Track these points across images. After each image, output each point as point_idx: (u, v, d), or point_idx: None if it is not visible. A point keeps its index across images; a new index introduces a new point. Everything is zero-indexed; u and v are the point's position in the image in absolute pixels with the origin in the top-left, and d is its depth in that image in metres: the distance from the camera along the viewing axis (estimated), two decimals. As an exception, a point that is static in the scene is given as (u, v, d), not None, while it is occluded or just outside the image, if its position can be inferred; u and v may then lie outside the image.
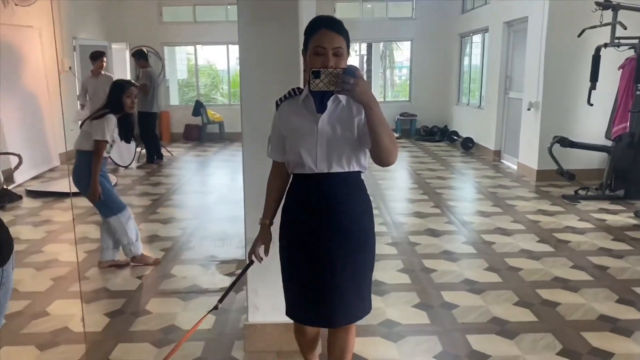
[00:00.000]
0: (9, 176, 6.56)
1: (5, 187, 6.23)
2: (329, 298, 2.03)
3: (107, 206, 3.93)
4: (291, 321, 2.24)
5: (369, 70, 12.98)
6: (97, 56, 7.69)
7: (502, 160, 8.59)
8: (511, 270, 4.04)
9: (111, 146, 3.89)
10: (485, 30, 9.41)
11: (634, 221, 5.27)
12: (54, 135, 7.99)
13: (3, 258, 1.72)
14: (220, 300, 2.19)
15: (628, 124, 5.87)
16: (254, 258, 2.18)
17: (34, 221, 5.38)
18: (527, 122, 7.38)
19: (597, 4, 5.71)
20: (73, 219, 5.31)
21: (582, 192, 6.13)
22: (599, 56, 5.87)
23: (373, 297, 2.20)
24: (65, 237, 4.88)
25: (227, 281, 3.81)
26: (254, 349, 2.86)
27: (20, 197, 6.22)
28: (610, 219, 5.35)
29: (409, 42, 11.82)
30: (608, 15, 5.77)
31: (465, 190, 6.98)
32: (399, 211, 5.74)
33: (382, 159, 1.85)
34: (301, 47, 2.00)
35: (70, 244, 4.66)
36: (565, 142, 6.18)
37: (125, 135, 4.04)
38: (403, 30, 11.62)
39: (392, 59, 13.53)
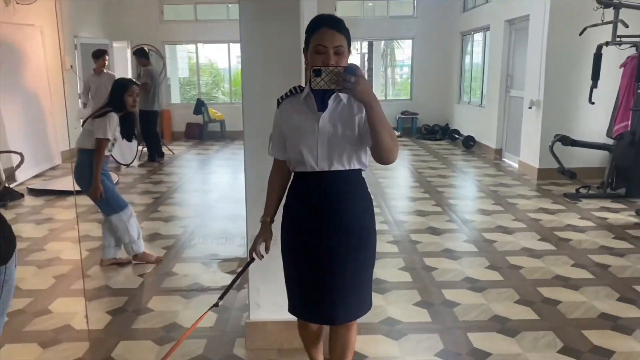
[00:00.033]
0: (10, 174, 6.57)
1: (7, 185, 6.24)
2: (330, 296, 2.04)
3: (109, 204, 3.94)
4: (293, 319, 2.24)
5: (370, 69, 12.97)
6: (100, 55, 7.70)
7: (503, 159, 8.59)
8: (512, 268, 4.04)
9: (113, 144, 3.89)
10: (486, 28, 9.40)
11: (635, 219, 5.27)
12: (55, 133, 8.00)
13: (6, 256, 1.73)
14: (221, 298, 2.19)
15: (629, 122, 5.87)
16: (254, 255, 2.19)
17: (35, 219, 5.39)
18: (529, 120, 7.37)
19: (599, 2, 5.69)
20: (77, 216, 5.33)
21: (583, 191, 6.13)
22: (601, 54, 5.87)
23: (374, 295, 2.21)
24: (67, 235, 4.90)
25: (228, 279, 3.82)
26: (256, 346, 2.87)
27: (22, 196, 6.23)
28: (611, 217, 5.35)
29: (410, 41, 11.81)
30: (609, 13, 5.76)
31: (467, 188, 6.98)
32: (400, 209, 5.74)
33: (383, 157, 1.85)
34: (302, 45, 2.00)
35: (72, 242, 4.67)
36: (566, 141, 6.18)
37: (127, 133, 4.05)
38: (404, 28, 11.61)
39: (393, 58, 13.52)
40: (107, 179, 3.97)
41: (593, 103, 6.02)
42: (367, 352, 2.85)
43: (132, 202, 5.00)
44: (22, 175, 6.83)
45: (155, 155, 8.63)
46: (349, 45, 1.92)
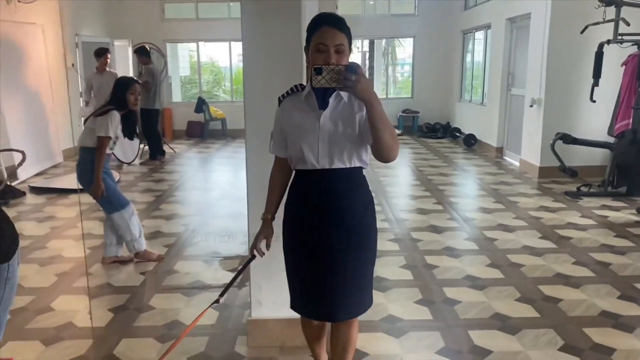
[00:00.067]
0: (12, 173, 6.58)
1: (8, 183, 6.26)
2: (331, 293, 2.05)
3: (110, 202, 3.95)
4: (295, 317, 2.25)
5: (371, 67, 12.97)
6: (102, 53, 7.71)
7: (505, 157, 8.59)
8: (513, 266, 4.05)
9: (114, 143, 3.90)
10: (487, 26, 9.39)
11: (636, 218, 5.27)
12: (57, 131, 8.02)
13: (8, 253, 1.74)
14: (222, 294, 2.20)
15: (631, 120, 5.87)
16: (255, 253, 2.20)
17: (37, 217, 5.41)
18: (530, 118, 7.37)
19: (600, 0, 5.69)
20: (81, 214, 5.34)
21: (584, 189, 6.13)
22: (602, 53, 5.86)
23: (375, 293, 2.21)
24: (69, 233, 4.91)
25: (230, 277, 3.79)
26: (257, 344, 2.88)
27: (23, 194, 6.25)
28: (612, 215, 5.35)
29: (412, 39, 11.80)
30: (611, 11, 5.76)
31: (468, 186, 6.98)
32: (401, 208, 5.75)
33: (383, 155, 1.86)
34: (304, 44, 2.01)
35: (74, 240, 4.69)
36: (567, 139, 6.18)
37: (129, 132, 4.05)
38: (405, 27, 11.60)
39: (394, 56, 13.52)
40: (109, 177, 3.98)
41: (594, 101, 6.02)
42: (368, 350, 2.86)
43: (133, 200, 5.01)
44: (24, 173, 6.84)
45: (156, 154, 8.64)
46: (350, 44, 1.93)
